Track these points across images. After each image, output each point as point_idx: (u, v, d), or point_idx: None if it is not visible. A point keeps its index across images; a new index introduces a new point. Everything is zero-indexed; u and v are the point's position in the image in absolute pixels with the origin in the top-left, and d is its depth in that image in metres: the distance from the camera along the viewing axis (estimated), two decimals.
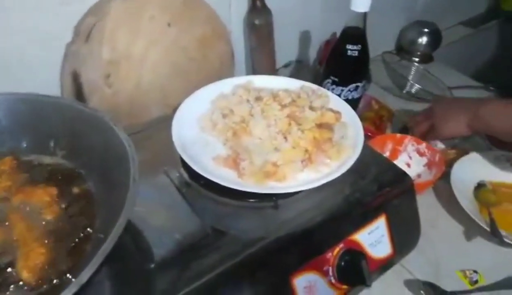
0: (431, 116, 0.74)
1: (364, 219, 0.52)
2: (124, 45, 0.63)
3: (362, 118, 0.83)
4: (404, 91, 0.93)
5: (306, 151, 0.52)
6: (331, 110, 0.59)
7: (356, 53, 0.65)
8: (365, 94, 0.88)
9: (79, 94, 0.63)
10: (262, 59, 0.77)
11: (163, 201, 0.51)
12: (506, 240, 0.60)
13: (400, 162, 0.75)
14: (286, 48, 0.89)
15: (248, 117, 0.57)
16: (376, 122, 0.83)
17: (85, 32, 0.61)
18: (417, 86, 0.91)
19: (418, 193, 0.68)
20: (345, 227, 0.51)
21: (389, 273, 0.55)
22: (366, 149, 0.59)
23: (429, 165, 0.71)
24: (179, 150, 0.50)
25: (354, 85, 0.68)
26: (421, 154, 0.73)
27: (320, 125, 0.56)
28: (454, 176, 0.69)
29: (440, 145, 0.78)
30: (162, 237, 0.46)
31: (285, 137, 0.54)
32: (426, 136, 0.76)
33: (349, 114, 0.60)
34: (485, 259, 0.60)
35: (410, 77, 1.00)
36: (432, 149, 0.72)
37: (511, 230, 0.63)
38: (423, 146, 0.73)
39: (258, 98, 0.60)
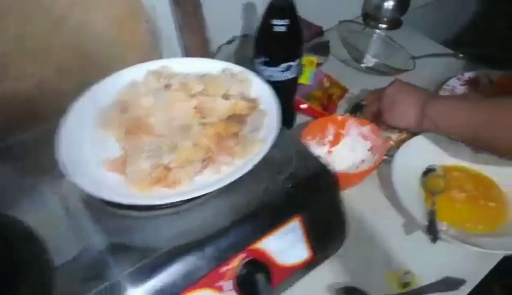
0: (380, 98, 0.67)
1: (273, 223, 0.47)
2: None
3: (309, 98, 0.78)
4: (363, 65, 0.85)
5: (209, 148, 0.46)
6: (247, 98, 0.53)
7: (284, 29, 0.57)
8: (317, 71, 0.81)
9: None
10: (191, 38, 0.69)
11: (62, 212, 0.47)
12: (443, 236, 0.54)
13: (344, 147, 0.69)
14: (229, 22, 0.81)
15: (151, 110, 0.50)
16: (323, 102, 0.76)
17: None
18: (373, 60, 0.83)
19: (357, 183, 0.64)
20: (250, 234, 0.46)
21: (309, 278, 0.50)
22: (286, 139, 0.54)
23: (372, 150, 0.65)
24: (57, 153, 0.44)
25: (285, 65, 0.61)
26: (365, 138, 0.67)
27: (231, 117, 0.50)
28: (397, 162, 0.63)
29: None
30: (60, 249, 0.42)
31: (188, 134, 0.48)
32: (376, 119, 0.70)
33: (269, 101, 0.53)
34: (423, 257, 0.55)
35: (372, 47, 0.92)
36: (375, 132, 0.65)
37: (455, 222, 0.58)
38: (366, 129, 0.66)
39: (168, 87, 0.54)
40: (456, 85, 0.80)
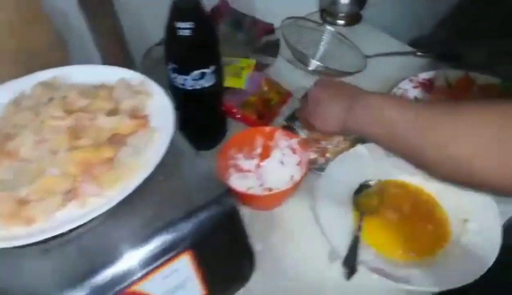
0: (308, 101, 0.58)
1: (156, 260, 0.40)
2: None
3: (244, 104, 0.71)
4: (309, 68, 0.78)
5: (75, 177, 0.40)
6: (135, 114, 0.46)
7: (189, 33, 0.51)
8: (254, 73, 0.74)
9: None
10: (105, 43, 0.63)
11: None
12: (364, 269, 0.47)
13: (274, 160, 0.62)
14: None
15: (21, 129, 0.44)
16: (259, 108, 0.69)
17: None
18: (316, 63, 0.76)
19: (276, 204, 0.58)
20: (129, 274, 0.39)
21: None
22: (185, 160, 0.48)
23: (301, 164, 0.58)
24: None
25: (198, 72, 0.54)
26: (293, 151, 0.60)
27: (110, 139, 0.43)
28: (327, 177, 0.57)
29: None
30: None
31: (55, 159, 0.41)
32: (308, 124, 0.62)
33: (165, 118, 0.47)
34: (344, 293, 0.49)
35: (323, 45, 0.85)
36: (303, 145, 0.58)
37: (385, 248, 0.51)
38: (294, 141, 0.59)
39: (51, 100, 0.47)
40: (409, 88, 0.73)
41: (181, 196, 0.44)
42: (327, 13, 0.94)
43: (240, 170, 0.62)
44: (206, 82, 0.56)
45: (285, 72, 0.82)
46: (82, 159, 0.40)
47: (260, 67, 0.81)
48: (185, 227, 0.42)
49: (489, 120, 0.38)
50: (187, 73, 0.54)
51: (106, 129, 0.44)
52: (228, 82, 0.72)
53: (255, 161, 0.63)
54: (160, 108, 0.48)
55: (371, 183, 0.58)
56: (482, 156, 0.38)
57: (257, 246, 0.54)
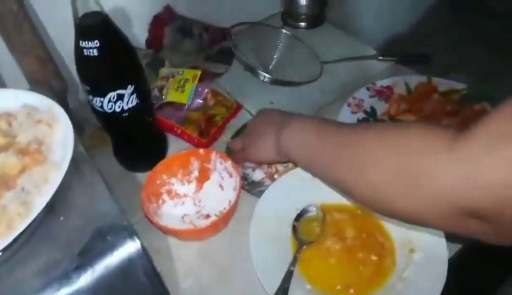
0: (244, 133, 0.58)
1: None
2: None
3: (186, 121, 0.66)
4: (262, 79, 0.73)
5: None
6: (30, 149, 0.41)
7: (95, 53, 0.46)
8: (200, 85, 0.69)
9: None
10: (23, 60, 0.58)
11: None
12: None
13: (213, 184, 0.57)
14: None
15: None
16: (201, 125, 0.64)
17: None
18: (266, 75, 0.70)
19: (208, 235, 0.53)
20: None
21: None
22: (88, 197, 0.43)
23: (237, 190, 0.54)
24: None
25: (113, 94, 0.49)
26: (230, 175, 0.55)
27: (1, 178, 0.39)
28: (264, 202, 0.52)
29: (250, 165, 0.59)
30: None
31: None
32: (235, 157, 0.58)
33: (66, 151, 0.42)
34: None
35: (279, 51, 0.79)
36: (237, 169, 0.53)
37: (323, 284, 0.47)
38: (229, 164, 0.54)
39: None
40: (365, 97, 0.68)
41: (79, 240, 0.39)
42: (288, 15, 0.88)
43: (175, 195, 0.57)
44: (127, 104, 0.51)
45: (241, 80, 0.77)
46: None
47: (211, 76, 0.76)
48: (81, 278, 0.38)
49: (393, 148, 0.37)
50: (101, 95, 0.49)
51: None
52: (171, 96, 0.67)
53: (192, 185, 0.58)
54: (62, 140, 0.43)
55: (313, 207, 0.53)
56: (394, 183, 0.36)
57: (186, 282, 0.50)
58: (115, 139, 0.59)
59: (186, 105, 0.67)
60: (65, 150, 0.42)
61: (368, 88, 0.69)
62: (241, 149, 0.57)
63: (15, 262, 0.38)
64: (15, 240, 0.36)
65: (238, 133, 0.65)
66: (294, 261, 0.47)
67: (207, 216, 0.55)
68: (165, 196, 0.56)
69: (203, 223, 0.53)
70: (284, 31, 0.80)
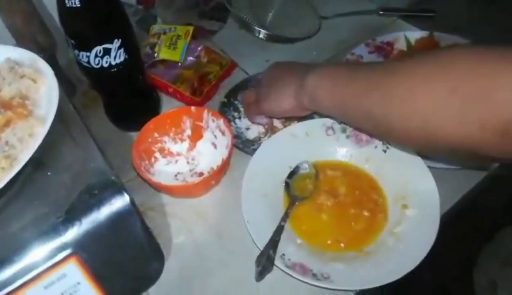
0: (258, 84, 0.55)
1: (35, 268, 0.36)
2: None
3: (178, 79, 0.64)
4: (258, 35, 0.70)
5: None
6: (13, 104, 0.40)
7: (77, 3, 0.44)
8: (193, 43, 0.67)
9: None
10: (8, 18, 0.56)
11: None
12: (280, 265, 0.43)
13: (206, 142, 0.57)
14: None
15: None
16: (194, 84, 0.63)
17: None
18: (263, 31, 0.67)
19: (201, 193, 0.53)
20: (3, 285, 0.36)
21: None
22: (74, 152, 0.43)
23: (229, 148, 0.53)
24: None
25: (100, 48, 0.48)
26: (222, 133, 0.54)
27: None
28: (257, 159, 0.51)
29: (261, 121, 0.58)
30: None
31: None
32: (249, 110, 0.57)
33: (50, 105, 0.41)
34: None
35: (275, 6, 0.76)
36: (229, 127, 0.52)
37: (314, 239, 0.47)
38: (221, 122, 0.53)
39: None
40: (364, 53, 0.65)
41: (67, 196, 0.39)
42: None
43: (169, 153, 0.56)
44: (114, 59, 0.49)
45: (236, 38, 0.75)
46: None
47: (205, 34, 0.74)
48: (68, 231, 0.38)
49: (443, 73, 0.35)
50: (87, 49, 0.47)
51: None
52: (163, 54, 0.65)
53: (185, 144, 0.57)
54: (48, 96, 0.42)
55: (306, 165, 0.52)
56: (439, 112, 0.35)
57: (179, 238, 0.50)
58: (105, 98, 0.57)
59: (179, 63, 0.65)
60: (50, 105, 0.41)
61: (367, 44, 0.66)
62: (255, 101, 0.55)
63: (4, 217, 0.38)
64: (0, 193, 0.36)
65: (233, 91, 0.63)
66: (285, 216, 0.47)
67: (201, 174, 0.55)
68: (157, 154, 0.55)
69: (194, 180, 0.53)
70: None
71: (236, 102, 0.63)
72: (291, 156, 0.52)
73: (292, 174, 0.52)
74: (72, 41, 0.48)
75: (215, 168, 0.54)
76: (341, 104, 0.44)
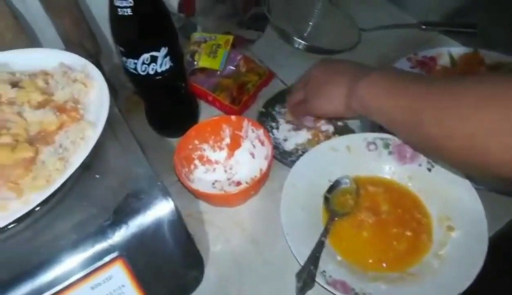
0: (306, 83, 0.54)
1: (82, 268, 0.37)
2: None
3: (217, 88, 0.65)
4: (296, 46, 0.70)
5: None
6: (67, 107, 0.41)
7: (129, 12, 0.45)
8: (233, 51, 0.68)
9: None
10: (60, 22, 0.58)
11: None
12: (321, 282, 0.42)
13: (244, 152, 0.57)
14: None
15: None
16: (233, 93, 0.63)
17: None
18: (301, 42, 0.67)
19: (239, 203, 0.53)
20: (49, 285, 0.36)
21: None
22: (122, 156, 0.43)
23: (268, 159, 0.52)
24: None
25: (147, 55, 0.48)
26: (262, 143, 0.54)
27: (36, 136, 0.39)
28: (295, 173, 0.51)
29: (309, 123, 0.58)
30: None
31: None
32: (296, 110, 0.57)
33: (101, 110, 0.42)
34: None
35: (315, 17, 0.76)
36: (269, 138, 0.52)
37: (354, 257, 0.46)
38: (261, 133, 0.53)
39: None
40: (406, 67, 0.64)
41: (114, 199, 0.40)
42: None
43: (207, 161, 0.57)
44: (160, 67, 0.50)
45: (274, 48, 0.75)
46: None
47: (244, 43, 0.74)
48: (116, 234, 0.38)
49: (499, 98, 0.34)
50: (135, 57, 0.48)
51: (33, 125, 0.40)
52: (203, 62, 0.66)
53: (224, 152, 0.57)
54: (98, 100, 0.43)
55: (347, 180, 0.51)
56: (493, 137, 0.34)
57: (216, 246, 0.50)
58: (148, 104, 0.58)
59: (218, 72, 0.66)
60: (101, 109, 0.42)
61: (409, 59, 0.65)
62: (302, 101, 0.54)
63: (54, 217, 0.39)
64: (52, 194, 0.36)
65: (271, 102, 0.63)
66: (326, 231, 0.46)
67: (238, 183, 0.55)
68: (196, 161, 0.55)
69: (235, 189, 0.53)
70: None
71: (273, 112, 0.62)
72: (331, 170, 0.52)
73: (332, 188, 0.51)
74: (121, 48, 0.49)
75: (252, 177, 0.54)
76: (391, 114, 0.43)
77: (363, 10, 0.78)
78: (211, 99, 0.63)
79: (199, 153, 0.56)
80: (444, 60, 0.65)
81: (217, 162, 0.57)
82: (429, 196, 0.49)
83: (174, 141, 0.60)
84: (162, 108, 0.58)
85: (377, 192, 0.51)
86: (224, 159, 0.57)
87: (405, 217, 0.48)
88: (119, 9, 0.44)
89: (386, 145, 0.52)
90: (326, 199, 0.50)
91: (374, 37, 0.73)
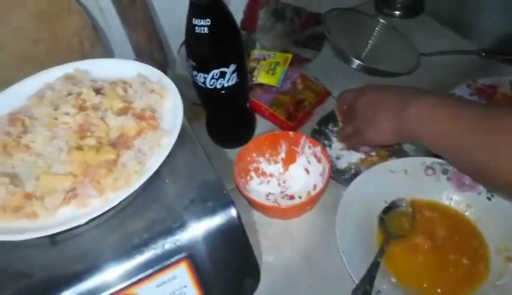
0: (354, 115, 0.55)
1: (150, 266, 0.39)
2: None
3: (275, 103, 0.67)
4: (354, 66, 0.71)
5: (76, 177, 0.40)
6: (145, 115, 0.45)
7: (206, 30, 0.48)
8: (290, 69, 0.70)
9: None
10: (134, 34, 0.62)
11: None
12: None
13: (299, 167, 0.58)
14: None
15: (36, 123, 0.45)
16: (290, 109, 0.65)
17: None
18: (357, 61, 0.69)
19: (294, 216, 0.54)
20: (118, 280, 0.39)
21: None
22: (191, 163, 0.46)
23: (324, 175, 0.54)
24: None
25: (217, 71, 0.51)
26: (318, 160, 0.55)
27: (117, 139, 0.43)
28: (352, 191, 0.51)
29: (365, 149, 0.59)
30: None
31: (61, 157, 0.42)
32: (351, 143, 0.58)
33: (175, 120, 0.45)
34: None
35: (373, 40, 0.77)
36: (326, 155, 0.53)
37: (409, 280, 0.46)
38: (318, 150, 0.55)
39: (70, 95, 0.48)
40: (465, 94, 0.64)
41: (182, 203, 0.42)
42: (383, 3, 0.85)
43: (262, 173, 0.59)
44: (227, 82, 0.53)
45: (330, 67, 0.76)
46: (82, 160, 0.40)
47: (300, 61, 0.76)
48: (183, 236, 0.41)
49: None
50: (206, 71, 0.51)
51: (114, 129, 0.43)
52: (262, 78, 0.68)
53: (278, 166, 0.59)
54: (172, 110, 0.47)
55: (403, 202, 0.51)
56: None
57: (269, 256, 0.52)
58: (210, 115, 0.62)
59: (275, 88, 0.68)
60: (175, 119, 0.45)
61: (468, 86, 0.65)
62: (354, 133, 0.55)
63: (126, 216, 0.42)
64: (130, 194, 0.40)
65: (325, 120, 0.64)
66: (381, 252, 0.47)
67: (291, 197, 0.56)
68: (252, 173, 0.58)
69: (289, 203, 0.55)
70: (380, 20, 0.77)
71: (327, 130, 0.64)
72: (387, 191, 0.52)
73: (387, 209, 0.51)
74: (194, 63, 0.52)
75: (306, 192, 0.56)
76: (442, 143, 0.44)
77: (422, 35, 0.78)
78: (268, 114, 0.66)
79: (255, 165, 0.58)
80: (505, 88, 0.64)
81: (271, 175, 0.59)
82: (488, 225, 0.48)
83: (229, 151, 0.63)
84: (224, 120, 0.61)
85: (433, 216, 0.51)
86: (278, 172, 0.59)
87: (461, 244, 0.48)
88: (196, 28, 0.48)
89: (445, 171, 0.52)
90: (382, 220, 0.51)
91: (431, 62, 0.73)
